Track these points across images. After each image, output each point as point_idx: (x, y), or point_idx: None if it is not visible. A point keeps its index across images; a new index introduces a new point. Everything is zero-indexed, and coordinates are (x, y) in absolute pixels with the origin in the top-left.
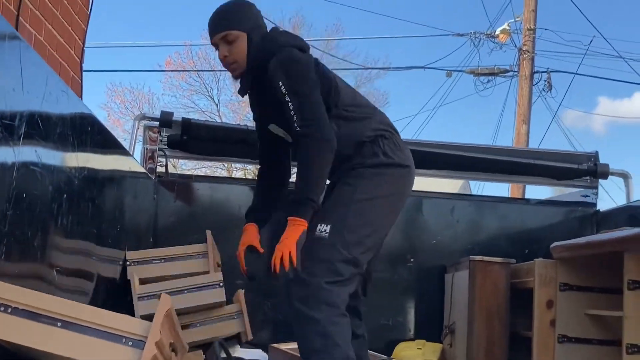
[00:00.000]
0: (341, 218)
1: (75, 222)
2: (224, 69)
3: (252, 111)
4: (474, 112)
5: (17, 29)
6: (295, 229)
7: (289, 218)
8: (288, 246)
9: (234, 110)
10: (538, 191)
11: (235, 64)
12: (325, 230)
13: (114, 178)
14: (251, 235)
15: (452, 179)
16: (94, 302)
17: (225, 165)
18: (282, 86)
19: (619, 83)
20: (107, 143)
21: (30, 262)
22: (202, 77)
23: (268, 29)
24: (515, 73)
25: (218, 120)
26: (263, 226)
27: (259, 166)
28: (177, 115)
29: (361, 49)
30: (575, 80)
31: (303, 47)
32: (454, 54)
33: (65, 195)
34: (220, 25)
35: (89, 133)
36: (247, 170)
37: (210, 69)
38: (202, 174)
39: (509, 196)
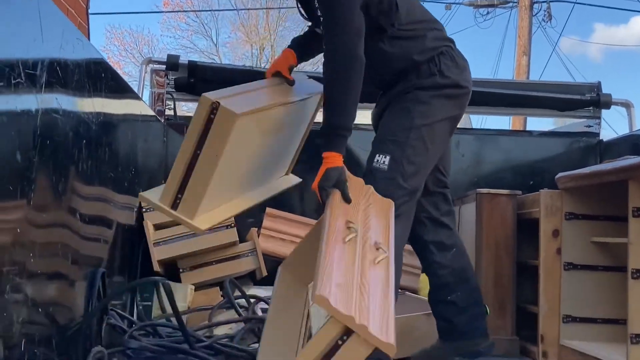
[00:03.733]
0: (400, 148)
1: (94, 167)
2: (222, 9)
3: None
4: (474, 45)
5: None
6: (323, 167)
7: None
8: (315, 188)
9: (233, 49)
10: (539, 123)
11: None
12: (384, 162)
13: (127, 123)
14: (283, 60)
15: None
16: (112, 248)
17: None
18: None
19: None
20: (119, 88)
21: (55, 209)
22: (201, 18)
23: None
24: (515, 4)
25: (217, 60)
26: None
27: None
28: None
29: None
30: (568, 7)
31: None
32: None
33: (84, 141)
34: None
35: (103, 79)
36: None
37: (208, 8)
38: None
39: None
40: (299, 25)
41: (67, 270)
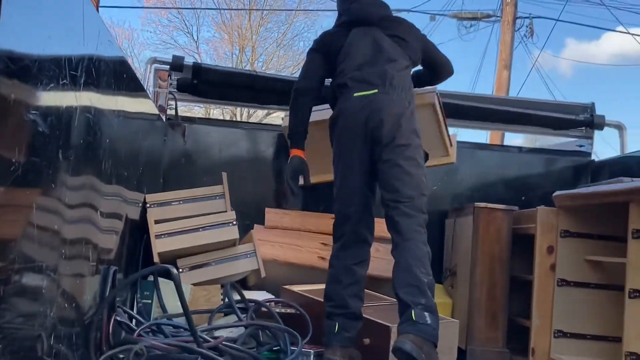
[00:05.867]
0: None
1: (114, 165)
2: (203, 6)
3: None
4: (456, 57)
5: None
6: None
7: None
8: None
9: (215, 48)
10: (516, 139)
11: None
12: None
13: (139, 122)
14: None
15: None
16: (121, 246)
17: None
18: None
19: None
20: (135, 88)
21: (79, 206)
22: (182, 14)
23: None
24: (498, 18)
25: (198, 58)
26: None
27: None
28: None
29: None
30: (545, 22)
31: (338, 23)
32: None
33: (107, 140)
34: None
35: (124, 79)
36: (251, 114)
37: (190, 6)
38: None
39: (488, 143)
40: (280, 28)
41: (82, 268)
